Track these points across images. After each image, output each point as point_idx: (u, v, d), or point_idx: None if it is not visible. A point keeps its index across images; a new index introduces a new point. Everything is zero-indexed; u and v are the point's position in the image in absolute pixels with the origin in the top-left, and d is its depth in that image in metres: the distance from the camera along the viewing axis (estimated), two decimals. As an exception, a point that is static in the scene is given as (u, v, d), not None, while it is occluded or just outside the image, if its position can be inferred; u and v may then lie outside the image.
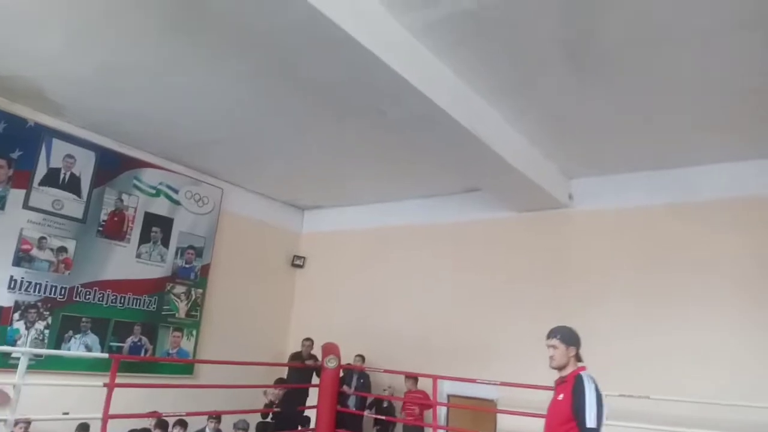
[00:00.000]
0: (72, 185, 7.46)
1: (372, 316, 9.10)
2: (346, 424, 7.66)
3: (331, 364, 7.67)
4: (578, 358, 3.65)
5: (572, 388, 3.47)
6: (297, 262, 10.49)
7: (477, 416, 7.71)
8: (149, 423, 6.56)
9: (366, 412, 7.82)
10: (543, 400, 6.71)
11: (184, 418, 6.49)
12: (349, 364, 8.14)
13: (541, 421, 6.85)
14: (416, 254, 9.13)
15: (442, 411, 7.76)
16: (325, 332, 8.31)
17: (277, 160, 8.26)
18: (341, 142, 7.35)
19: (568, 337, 3.65)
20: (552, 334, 3.69)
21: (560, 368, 3.65)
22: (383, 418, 7.75)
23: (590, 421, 3.28)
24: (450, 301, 8.43)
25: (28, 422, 5.86)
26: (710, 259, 6.65)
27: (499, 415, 7.39)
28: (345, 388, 7.93)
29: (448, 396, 7.95)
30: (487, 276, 8.29)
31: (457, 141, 5.95)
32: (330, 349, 7.77)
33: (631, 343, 6.80)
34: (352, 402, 7.98)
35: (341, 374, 7.92)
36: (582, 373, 3.54)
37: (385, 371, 7.88)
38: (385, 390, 7.99)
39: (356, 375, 8.18)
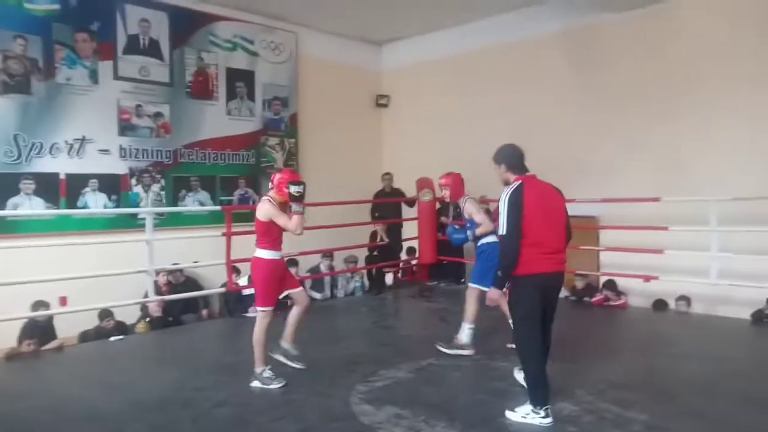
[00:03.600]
0: (153, 50, 7.55)
1: (462, 147, 8.93)
2: (447, 252, 8.02)
3: (426, 197, 7.83)
4: (514, 172, 3.64)
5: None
6: (381, 102, 10.34)
7: (577, 234, 7.71)
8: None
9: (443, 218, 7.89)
10: (643, 213, 6.61)
11: (295, 257, 6.99)
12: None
13: (640, 233, 6.76)
14: (504, 76, 8.63)
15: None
16: (417, 167, 8.33)
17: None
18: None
19: (496, 156, 3.71)
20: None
21: (504, 184, 3.65)
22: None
23: (501, 230, 3.46)
24: (543, 122, 8.03)
25: (168, 272, 6.67)
26: None
27: (601, 232, 7.38)
28: (443, 218, 8.15)
29: (546, 217, 7.96)
30: (582, 89, 7.76)
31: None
32: (424, 183, 7.88)
33: (749, 144, 6.30)
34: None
35: (437, 207, 8.10)
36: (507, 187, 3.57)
37: (482, 199, 7.91)
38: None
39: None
